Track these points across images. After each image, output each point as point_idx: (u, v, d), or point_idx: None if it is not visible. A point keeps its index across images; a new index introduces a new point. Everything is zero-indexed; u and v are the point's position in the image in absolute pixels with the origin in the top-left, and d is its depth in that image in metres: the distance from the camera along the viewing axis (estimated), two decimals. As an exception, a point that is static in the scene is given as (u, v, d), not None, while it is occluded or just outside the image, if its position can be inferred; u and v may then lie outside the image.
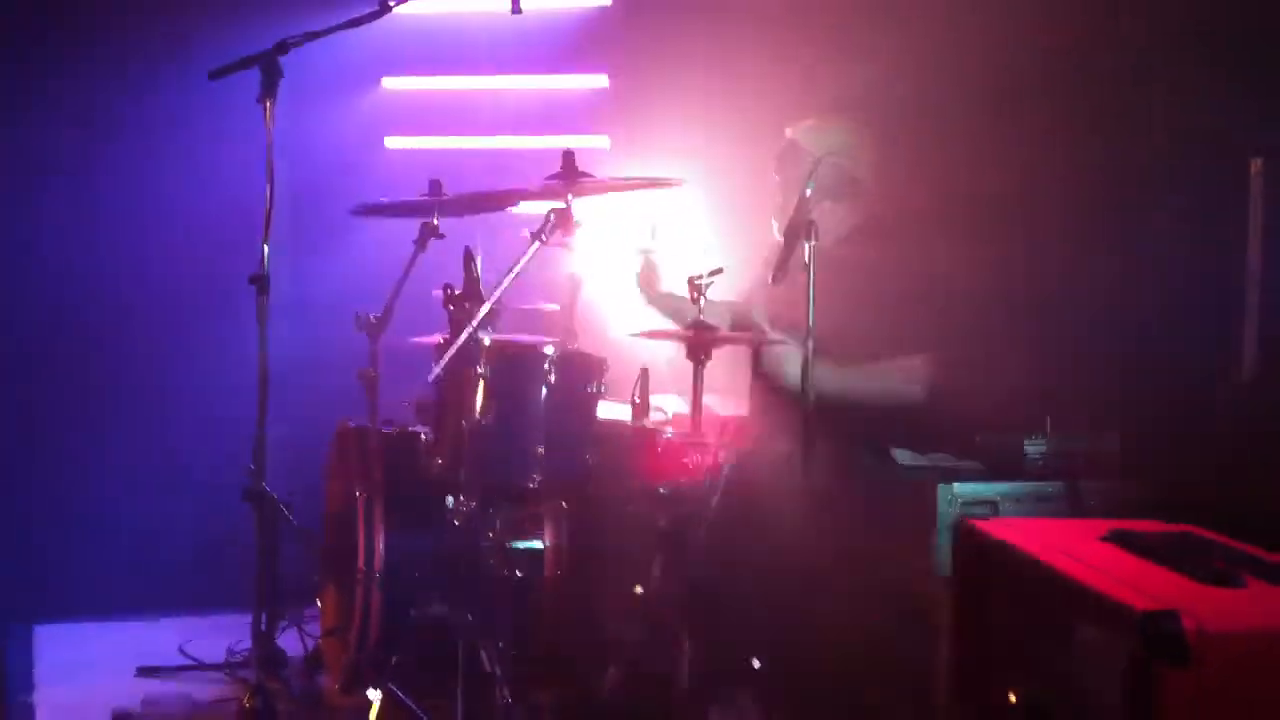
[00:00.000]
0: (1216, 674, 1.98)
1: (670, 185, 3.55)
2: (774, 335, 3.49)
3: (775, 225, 3.76)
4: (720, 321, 3.56)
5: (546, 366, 3.37)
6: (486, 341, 3.33)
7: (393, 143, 5.03)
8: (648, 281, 3.88)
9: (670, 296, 3.95)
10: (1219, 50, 3.21)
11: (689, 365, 3.29)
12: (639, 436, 3.41)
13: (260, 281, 3.62)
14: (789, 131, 3.74)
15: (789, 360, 3.44)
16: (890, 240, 3.64)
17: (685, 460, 3.25)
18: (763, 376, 3.51)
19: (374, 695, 3.33)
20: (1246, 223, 3.07)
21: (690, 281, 3.26)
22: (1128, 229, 3.47)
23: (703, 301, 3.30)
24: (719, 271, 3.30)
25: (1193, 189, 3.29)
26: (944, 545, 2.96)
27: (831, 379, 3.46)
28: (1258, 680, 1.99)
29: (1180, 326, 3.25)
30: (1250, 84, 3.14)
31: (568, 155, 3.43)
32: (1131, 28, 3.46)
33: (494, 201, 3.89)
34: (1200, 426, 3.09)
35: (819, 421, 3.08)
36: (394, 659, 3.43)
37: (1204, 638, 1.97)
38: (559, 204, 3.34)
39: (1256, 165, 3.05)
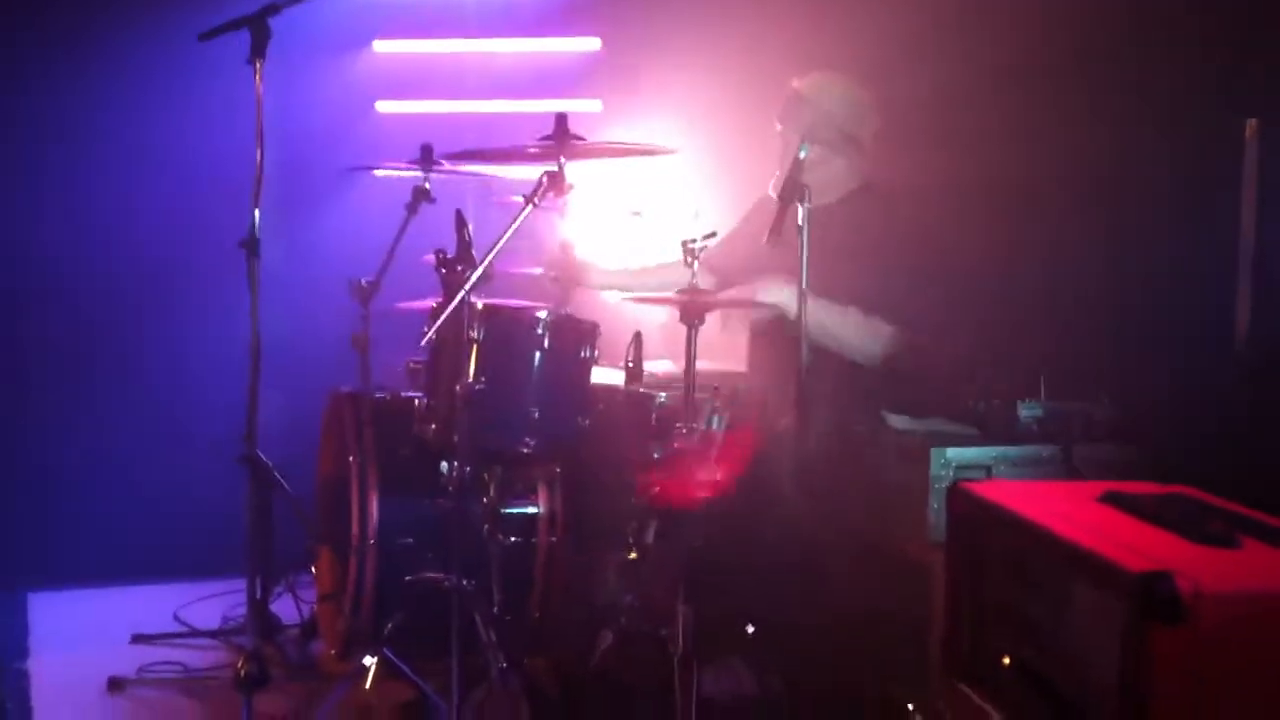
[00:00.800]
0: (1212, 634, 1.98)
1: (664, 153, 3.53)
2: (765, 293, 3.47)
3: (775, 179, 3.75)
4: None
5: (540, 331, 3.35)
6: (479, 305, 3.31)
7: (384, 106, 5.00)
8: (569, 273, 3.89)
9: (619, 274, 3.96)
10: (1215, 14, 3.20)
11: (682, 330, 3.28)
12: (632, 401, 3.40)
13: (251, 245, 3.62)
14: (795, 83, 3.72)
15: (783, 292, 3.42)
16: (889, 206, 3.63)
17: (678, 425, 3.24)
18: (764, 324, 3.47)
19: (369, 661, 3.33)
20: (1241, 187, 3.06)
21: (684, 245, 3.24)
22: (1125, 195, 3.46)
23: (695, 265, 3.28)
24: (712, 235, 3.28)
25: (1189, 153, 3.28)
26: (938, 509, 2.97)
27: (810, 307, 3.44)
28: (1253, 640, 2.00)
29: (1174, 290, 3.25)
30: (1246, 46, 3.12)
31: (560, 118, 3.40)
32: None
33: (492, 158, 3.87)
34: (1195, 391, 3.09)
35: (816, 385, 3.08)
36: (389, 625, 3.43)
37: (1199, 598, 1.97)
38: (551, 167, 3.32)
39: (1251, 127, 3.03)
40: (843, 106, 3.63)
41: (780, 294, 3.38)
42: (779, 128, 3.72)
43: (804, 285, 3.07)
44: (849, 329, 3.45)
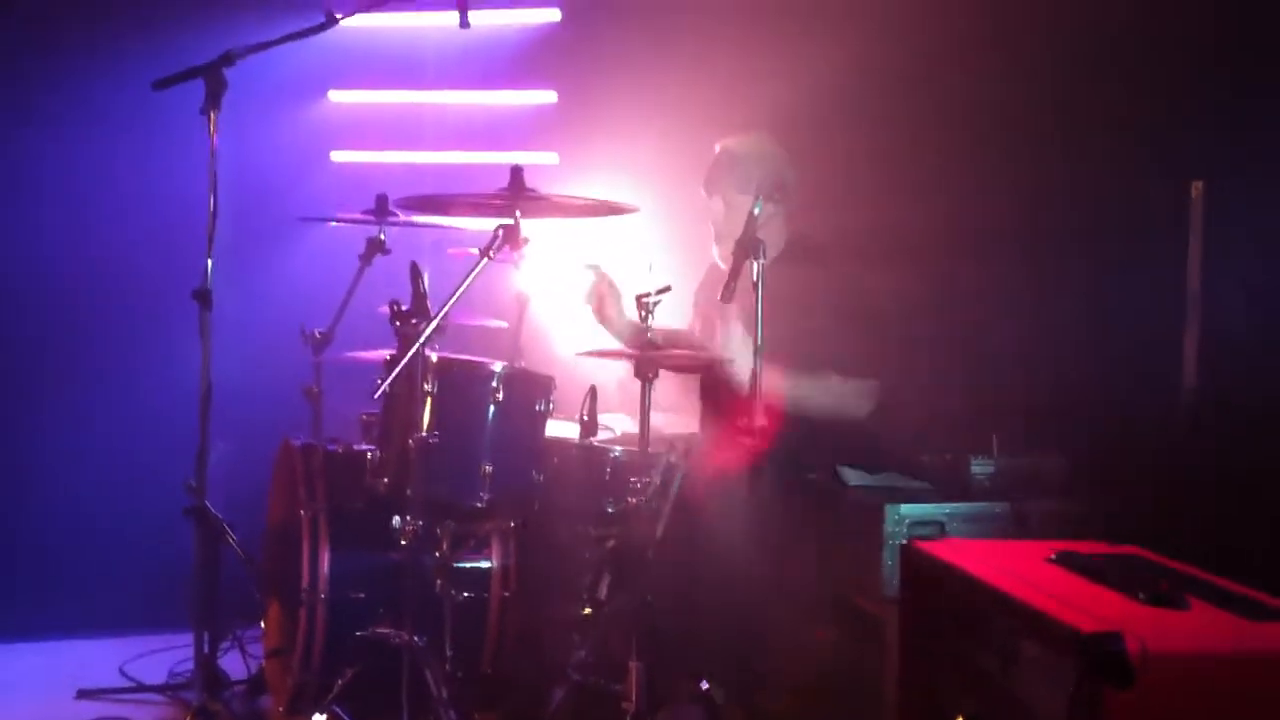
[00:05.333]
0: (1159, 695, 2.00)
1: (624, 211, 3.54)
2: (730, 346, 3.45)
3: (715, 250, 3.78)
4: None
5: (494, 384, 3.35)
6: (434, 358, 3.30)
7: (339, 157, 4.99)
8: (600, 303, 3.80)
9: (628, 322, 3.95)
10: (1158, 76, 3.26)
11: (637, 384, 3.28)
12: (587, 455, 3.39)
13: (203, 296, 3.59)
14: (716, 148, 3.78)
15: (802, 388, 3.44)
16: (822, 261, 3.66)
17: (633, 479, 3.23)
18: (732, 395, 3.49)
19: (318, 718, 3.29)
20: (1187, 244, 3.11)
21: (638, 300, 3.25)
22: (1069, 252, 3.51)
23: (651, 320, 3.29)
24: (667, 289, 3.29)
25: (1134, 211, 3.33)
26: (892, 565, 2.98)
27: (791, 386, 3.46)
28: (1200, 701, 2.02)
29: (1123, 349, 3.29)
30: (1192, 110, 3.19)
31: (516, 171, 3.41)
32: (1068, 53, 3.51)
33: (447, 209, 3.86)
34: (1143, 448, 3.13)
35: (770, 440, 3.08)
36: (338, 681, 3.39)
37: (1147, 659, 1.99)
38: (507, 220, 3.33)
39: (1197, 188, 3.09)
40: (760, 163, 3.68)
41: (739, 348, 3.38)
42: (705, 196, 3.76)
43: (759, 342, 3.08)
44: (830, 397, 3.47)
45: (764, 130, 3.80)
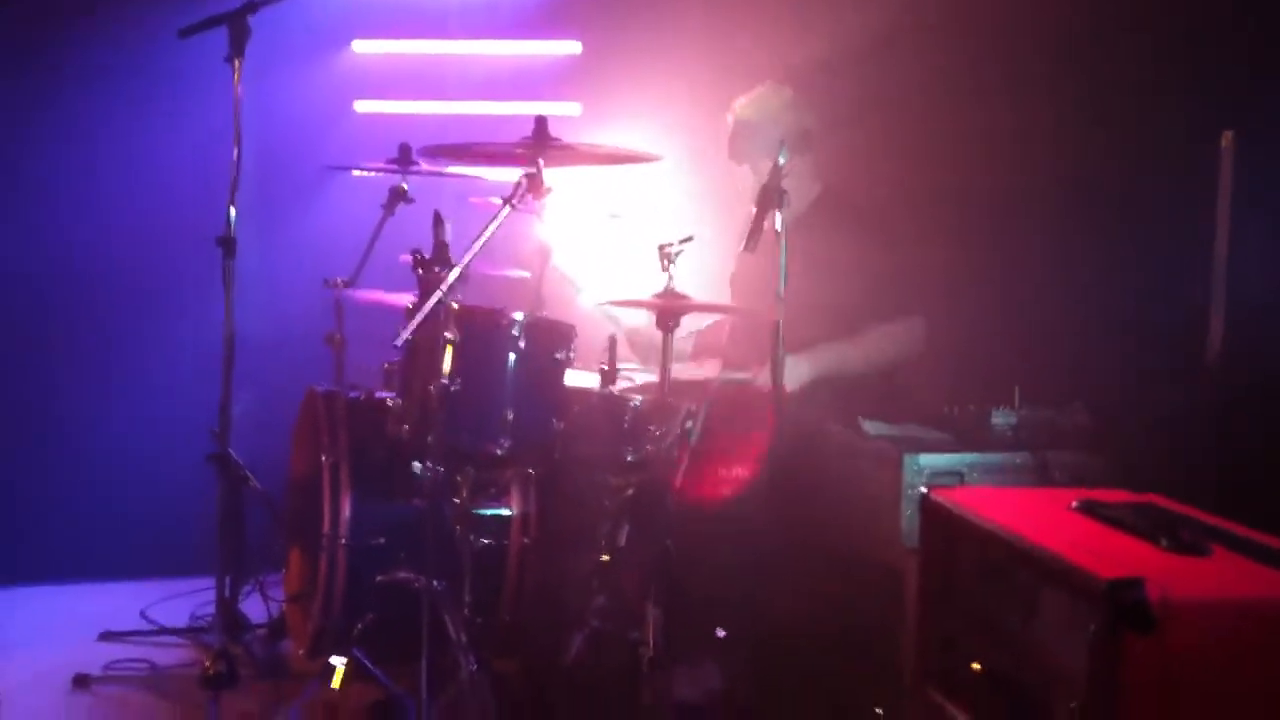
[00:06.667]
0: (1181, 642, 1.99)
1: (648, 160, 3.52)
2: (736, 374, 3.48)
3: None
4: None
5: (515, 332, 3.34)
6: (455, 306, 3.29)
7: (362, 106, 4.98)
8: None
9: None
10: (1192, 24, 3.22)
11: (658, 334, 3.27)
12: (607, 404, 3.39)
13: (227, 244, 3.60)
14: (729, 116, 3.74)
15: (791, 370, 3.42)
16: (856, 212, 3.64)
17: (652, 427, 3.23)
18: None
19: (338, 661, 3.31)
20: (1216, 197, 3.08)
21: (660, 250, 3.23)
22: (1100, 203, 3.48)
23: (671, 269, 3.28)
24: (689, 239, 3.27)
25: (1164, 162, 3.30)
26: (911, 515, 2.97)
27: (827, 358, 3.46)
28: (1221, 648, 2.01)
29: (1148, 298, 3.26)
30: (1223, 58, 3.14)
31: (540, 121, 3.39)
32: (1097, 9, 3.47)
33: (470, 158, 3.85)
34: (1167, 399, 3.11)
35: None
36: (358, 625, 3.41)
37: (1169, 606, 1.98)
38: (530, 169, 3.31)
39: (1227, 139, 3.05)
40: (778, 119, 3.65)
41: (798, 375, 3.40)
42: (734, 165, 3.74)
43: (781, 292, 3.06)
44: (877, 350, 3.48)
45: (770, 81, 3.76)
